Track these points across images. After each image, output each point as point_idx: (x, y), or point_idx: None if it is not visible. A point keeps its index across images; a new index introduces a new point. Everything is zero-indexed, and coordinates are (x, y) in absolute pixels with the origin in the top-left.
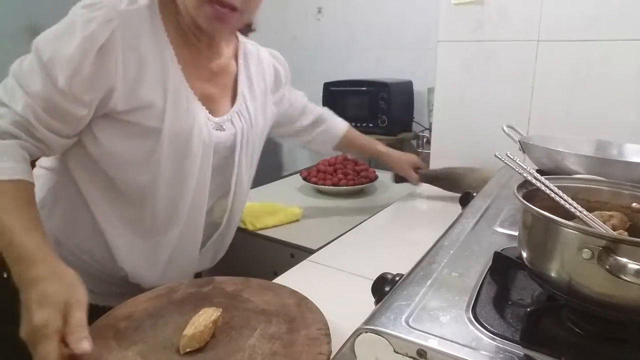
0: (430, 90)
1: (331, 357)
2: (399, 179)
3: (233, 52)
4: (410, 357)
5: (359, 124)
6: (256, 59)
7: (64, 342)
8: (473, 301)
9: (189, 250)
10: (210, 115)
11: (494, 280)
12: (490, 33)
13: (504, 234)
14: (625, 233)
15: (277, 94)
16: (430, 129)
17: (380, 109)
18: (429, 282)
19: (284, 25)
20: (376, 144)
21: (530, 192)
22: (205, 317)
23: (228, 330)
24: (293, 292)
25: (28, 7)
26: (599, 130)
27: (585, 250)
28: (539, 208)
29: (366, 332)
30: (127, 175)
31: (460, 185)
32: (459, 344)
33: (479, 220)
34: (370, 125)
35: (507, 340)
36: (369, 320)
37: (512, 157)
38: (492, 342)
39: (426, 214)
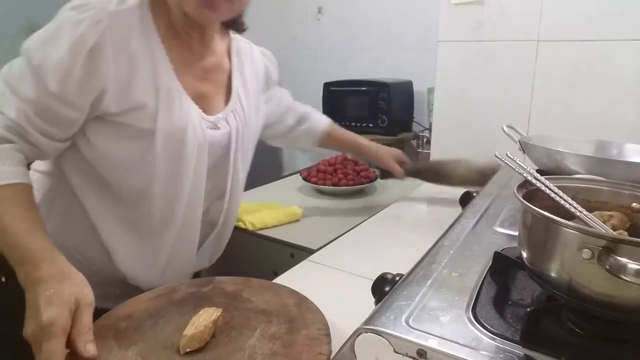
0: (430, 90)
1: (331, 357)
2: (384, 174)
3: (226, 50)
4: (410, 357)
5: (359, 124)
6: (249, 57)
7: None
8: (473, 301)
9: (187, 251)
10: (204, 114)
11: (494, 280)
12: (490, 33)
13: (504, 234)
14: (625, 233)
15: (268, 92)
16: (430, 129)
17: (380, 109)
18: (429, 282)
19: (284, 25)
20: (358, 138)
21: (530, 192)
22: (205, 317)
23: (228, 330)
24: (293, 292)
25: (28, 7)
26: (599, 130)
27: (585, 250)
28: (539, 208)
29: (366, 332)
30: (122, 177)
31: (445, 177)
32: (459, 344)
33: (479, 220)
34: (370, 125)
35: (507, 340)
36: (369, 320)
37: (512, 157)
38: (492, 342)
39: (426, 214)
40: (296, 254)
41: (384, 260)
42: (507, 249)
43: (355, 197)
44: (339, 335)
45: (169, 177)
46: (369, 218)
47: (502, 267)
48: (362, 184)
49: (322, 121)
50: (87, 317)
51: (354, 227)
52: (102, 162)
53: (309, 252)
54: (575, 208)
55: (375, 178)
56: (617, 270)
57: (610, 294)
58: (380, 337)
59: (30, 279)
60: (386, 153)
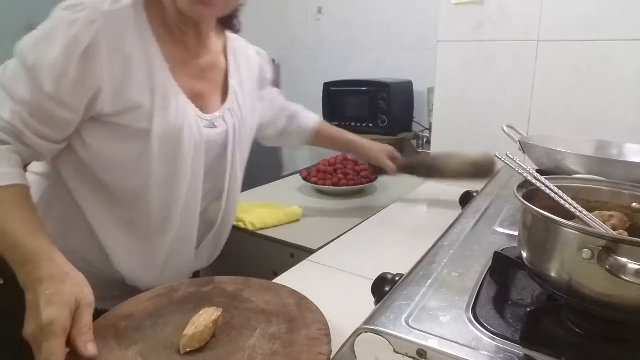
0: (430, 90)
1: (331, 357)
2: (376, 170)
3: (222, 48)
4: (410, 357)
5: (359, 124)
6: (245, 56)
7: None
8: (473, 301)
9: (185, 251)
10: (201, 113)
11: (494, 280)
12: (490, 33)
13: (504, 234)
14: (625, 233)
15: (262, 92)
16: (430, 129)
17: (380, 109)
18: (429, 282)
19: (284, 25)
20: (349, 135)
21: (530, 192)
22: (205, 317)
23: (228, 330)
24: (293, 292)
25: (28, 7)
26: (599, 130)
27: (585, 250)
28: (539, 208)
29: (366, 332)
30: (118, 177)
31: (439, 171)
32: (459, 344)
33: (479, 220)
34: (370, 125)
35: (507, 340)
36: (369, 320)
37: (512, 157)
38: (492, 342)
39: (426, 214)
40: (296, 254)
41: (384, 260)
42: (507, 249)
43: (355, 197)
44: (339, 335)
45: (166, 177)
46: (369, 218)
47: (502, 267)
48: (362, 184)
49: (311, 119)
50: (87, 317)
51: (354, 227)
52: (98, 163)
53: (309, 252)
54: (575, 208)
55: (376, 178)
56: (617, 270)
57: (610, 294)
58: (380, 337)
59: (30, 279)
60: (378, 149)
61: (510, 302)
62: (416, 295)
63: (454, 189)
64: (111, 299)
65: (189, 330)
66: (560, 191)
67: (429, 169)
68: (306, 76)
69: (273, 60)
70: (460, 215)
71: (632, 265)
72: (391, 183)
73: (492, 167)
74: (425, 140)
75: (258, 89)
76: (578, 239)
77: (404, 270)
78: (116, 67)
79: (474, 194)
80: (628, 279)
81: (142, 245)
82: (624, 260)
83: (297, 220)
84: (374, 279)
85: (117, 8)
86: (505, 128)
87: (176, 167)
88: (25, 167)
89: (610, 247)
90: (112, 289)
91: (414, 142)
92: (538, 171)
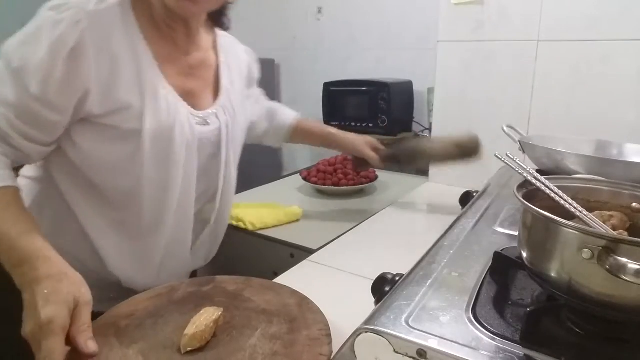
0: (430, 90)
1: (331, 357)
2: (360, 163)
3: (211, 44)
4: (410, 357)
5: (359, 124)
6: (235, 53)
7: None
8: (473, 301)
9: (180, 251)
10: (193, 110)
11: (494, 280)
12: (490, 33)
13: (504, 234)
14: (625, 233)
15: (249, 91)
16: (430, 129)
17: (380, 109)
18: (429, 282)
19: (284, 25)
20: (328, 128)
21: (530, 192)
22: (206, 317)
23: (229, 329)
24: (294, 292)
25: (28, 7)
26: (599, 130)
27: (585, 250)
28: (539, 208)
29: (366, 332)
30: (110, 178)
31: (423, 156)
32: (459, 344)
33: (479, 220)
34: (370, 125)
35: (507, 340)
36: (369, 320)
37: (512, 157)
38: (492, 342)
39: (426, 214)
40: (296, 254)
41: (384, 260)
42: (507, 249)
43: (355, 197)
44: (339, 335)
45: (159, 177)
46: (369, 218)
47: (502, 267)
48: (362, 184)
49: (289, 116)
50: (86, 315)
51: (354, 227)
52: (89, 165)
53: (309, 252)
54: (575, 208)
55: (376, 178)
56: (617, 270)
57: (610, 294)
58: (380, 337)
59: (27, 279)
60: (359, 141)
61: (510, 302)
62: (416, 295)
63: (454, 189)
64: (107, 301)
65: (190, 330)
66: (560, 191)
67: (413, 156)
68: (306, 76)
69: (273, 60)
70: (460, 215)
71: (632, 265)
72: (391, 183)
73: (477, 147)
74: None
75: (247, 87)
76: (578, 239)
77: (404, 270)
78: (103, 67)
79: (474, 194)
80: (628, 279)
81: (135, 246)
82: (624, 260)
83: (297, 220)
84: (374, 279)
85: (102, 7)
86: (505, 128)
87: (168, 166)
88: (17, 172)
89: (610, 247)
90: (108, 292)
91: None
92: (538, 171)
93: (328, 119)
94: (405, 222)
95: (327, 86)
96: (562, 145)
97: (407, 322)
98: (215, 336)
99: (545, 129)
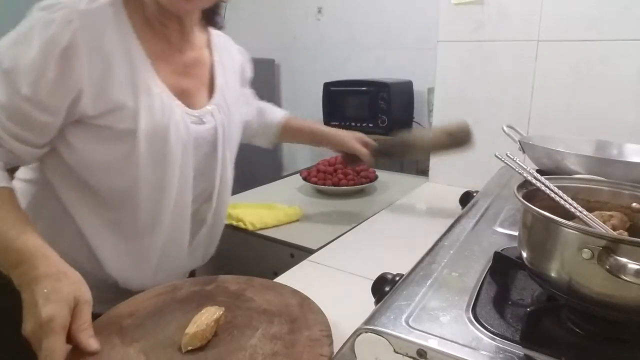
0: (430, 90)
1: (331, 357)
2: (350, 159)
3: (206, 43)
4: (410, 357)
5: (359, 124)
6: (228, 52)
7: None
8: (473, 301)
9: (176, 251)
10: (188, 109)
11: (494, 280)
12: (490, 33)
13: (504, 234)
14: (625, 233)
15: (242, 91)
16: None
17: (380, 109)
18: (429, 282)
19: (284, 25)
20: (318, 125)
21: (530, 192)
22: (207, 316)
23: (230, 329)
24: (295, 292)
25: (28, 7)
26: (599, 130)
27: (585, 250)
28: (539, 208)
29: (366, 332)
30: (105, 179)
31: (414, 147)
32: (459, 344)
33: (479, 220)
34: (370, 125)
35: (507, 340)
36: (369, 320)
37: (512, 157)
38: (492, 342)
39: (426, 214)
40: (296, 254)
41: (384, 260)
42: (507, 249)
43: (355, 197)
44: (339, 335)
45: (154, 177)
46: (369, 218)
47: (502, 267)
48: (362, 184)
49: (277, 115)
50: (86, 314)
51: (354, 227)
52: (84, 166)
53: (309, 252)
54: (575, 208)
55: (376, 178)
56: (617, 270)
57: (610, 294)
58: (380, 337)
59: (27, 278)
60: (349, 137)
61: (510, 302)
62: (416, 295)
63: (454, 189)
64: (106, 303)
65: (191, 329)
66: (560, 191)
67: (405, 148)
68: (306, 76)
69: (273, 60)
70: (460, 215)
71: (632, 265)
72: (391, 183)
73: (469, 135)
74: None
75: (241, 86)
76: (578, 239)
77: (404, 270)
78: (96, 67)
79: (474, 194)
80: (628, 279)
81: (131, 246)
82: (624, 260)
83: (297, 220)
84: (374, 279)
85: (94, 6)
86: (505, 128)
87: (164, 166)
88: (11, 174)
89: (610, 247)
90: (106, 293)
91: None
92: (538, 171)
93: (328, 119)
94: (405, 222)
95: (327, 86)
96: (562, 145)
97: (407, 322)
98: (216, 335)
99: (545, 129)
